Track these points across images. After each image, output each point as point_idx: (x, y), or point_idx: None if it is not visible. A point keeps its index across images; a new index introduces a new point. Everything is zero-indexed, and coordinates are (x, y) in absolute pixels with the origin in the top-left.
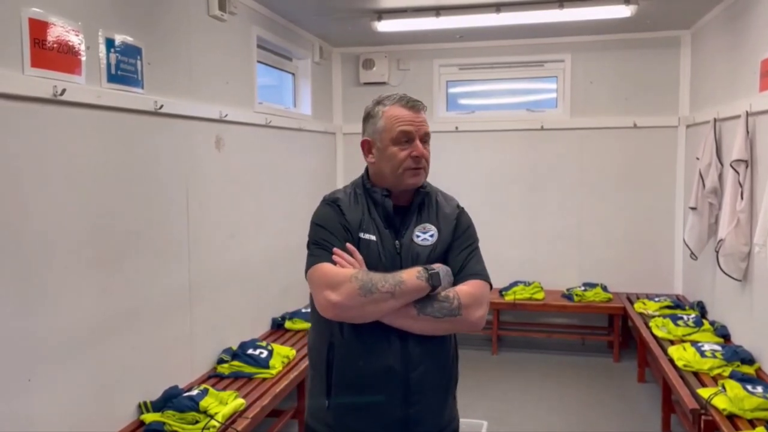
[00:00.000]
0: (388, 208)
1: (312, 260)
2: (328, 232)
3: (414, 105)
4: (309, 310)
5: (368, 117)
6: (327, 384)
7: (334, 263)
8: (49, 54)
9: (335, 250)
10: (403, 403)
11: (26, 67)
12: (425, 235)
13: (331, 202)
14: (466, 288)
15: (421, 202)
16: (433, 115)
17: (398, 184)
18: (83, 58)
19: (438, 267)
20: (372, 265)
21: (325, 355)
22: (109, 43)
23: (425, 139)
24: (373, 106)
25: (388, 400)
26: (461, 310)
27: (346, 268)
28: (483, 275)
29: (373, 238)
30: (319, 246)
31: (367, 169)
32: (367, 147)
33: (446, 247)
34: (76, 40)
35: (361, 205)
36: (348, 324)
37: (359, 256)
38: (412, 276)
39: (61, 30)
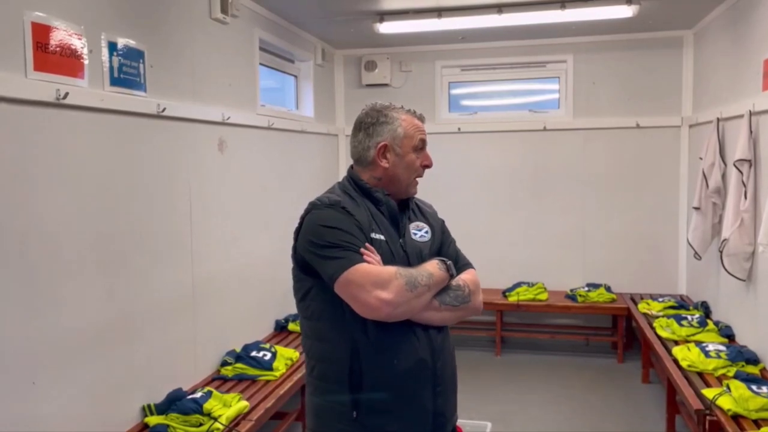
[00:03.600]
0: (394, 208)
1: (342, 263)
2: (348, 233)
3: (422, 118)
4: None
5: (379, 122)
6: (353, 390)
7: (367, 263)
8: (52, 58)
9: (363, 250)
10: (432, 393)
11: (29, 71)
12: (421, 232)
13: (332, 205)
14: (469, 276)
15: (408, 203)
16: (436, 117)
17: (404, 190)
18: (86, 62)
19: (446, 260)
20: (385, 264)
21: (347, 363)
22: (112, 47)
23: None
24: (380, 112)
25: (421, 393)
26: (471, 296)
27: (386, 266)
28: (471, 264)
29: (383, 237)
30: (344, 248)
31: (352, 172)
32: (383, 151)
33: (439, 242)
34: (78, 43)
35: (362, 206)
36: (372, 324)
37: (378, 256)
38: (436, 268)
39: (63, 34)
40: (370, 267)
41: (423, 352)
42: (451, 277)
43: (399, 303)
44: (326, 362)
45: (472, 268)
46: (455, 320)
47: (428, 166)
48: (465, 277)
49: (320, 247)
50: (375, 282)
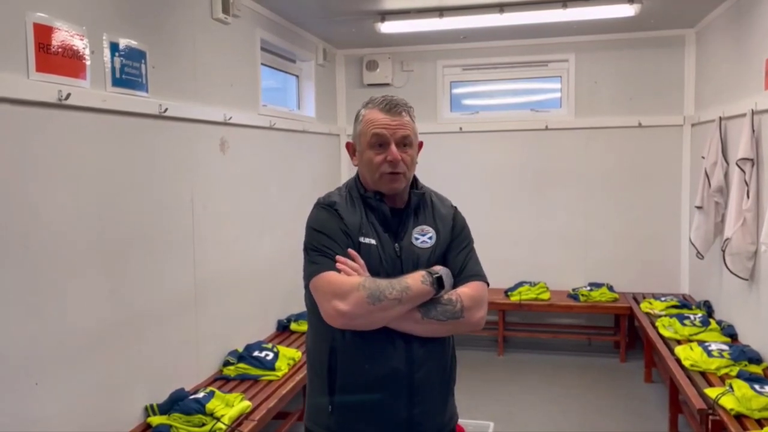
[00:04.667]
0: (385, 212)
1: (314, 268)
2: (329, 238)
3: (392, 108)
4: None
5: (354, 120)
6: (329, 388)
7: (338, 271)
8: (54, 58)
9: (338, 257)
10: (408, 403)
11: (31, 72)
12: (424, 237)
13: (327, 205)
14: (467, 290)
15: (416, 203)
16: (437, 116)
17: (376, 188)
18: (88, 63)
19: (440, 270)
20: (373, 269)
21: (327, 359)
22: (114, 47)
23: (404, 142)
24: (361, 108)
25: (393, 402)
26: (464, 312)
27: (352, 276)
28: (481, 276)
29: (373, 242)
30: (321, 253)
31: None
32: (351, 149)
33: (445, 248)
34: (80, 44)
35: (358, 208)
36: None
37: (361, 261)
38: (417, 281)
39: (65, 34)
40: (335, 276)
41: (397, 361)
42: (439, 290)
43: (356, 315)
44: (314, 355)
45: (480, 280)
46: (444, 334)
47: (393, 162)
48: (462, 290)
49: (306, 249)
50: (335, 292)
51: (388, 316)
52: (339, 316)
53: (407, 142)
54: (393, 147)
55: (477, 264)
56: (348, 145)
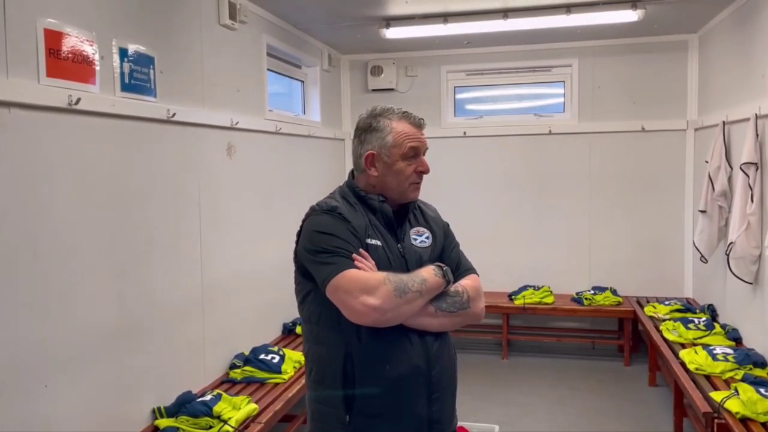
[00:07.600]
0: (389, 214)
1: (332, 268)
2: (341, 239)
3: (419, 123)
4: None
5: (370, 129)
6: (346, 397)
7: (356, 269)
8: (64, 64)
9: (355, 255)
10: (427, 401)
11: (42, 77)
12: (422, 237)
13: (330, 210)
14: (469, 282)
15: (409, 207)
16: (441, 121)
17: (400, 197)
18: (97, 68)
19: (443, 264)
20: (381, 269)
21: (341, 367)
22: (123, 53)
23: (425, 154)
24: (373, 118)
25: (414, 400)
26: (470, 303)
27: (375, 272)
28: (475, 270)
29: (379, 243)
30: (335, 254)
31: (351, 177)
32: (371, 160)
33: (441, 247)
34: (90, 49)
35: (359, 211)
36: (365, 329)
37: (372, 261)
38: (431, 274)
39: (75, 40)
40: (359, 273)
41: (417, 358)
42: (448, 282)
43: (387, 309)
44: (322, 365)
45: (475, 273)
46: (454, 327)
47: (423, 173)
48: (465, 282)
49: (314, 253)
50: (362, 288)
51: (410, 310)
52: (370, 311)
53: (425, 154)
54: (424, 158)
55: (467, 260)
56: (369, 156)
